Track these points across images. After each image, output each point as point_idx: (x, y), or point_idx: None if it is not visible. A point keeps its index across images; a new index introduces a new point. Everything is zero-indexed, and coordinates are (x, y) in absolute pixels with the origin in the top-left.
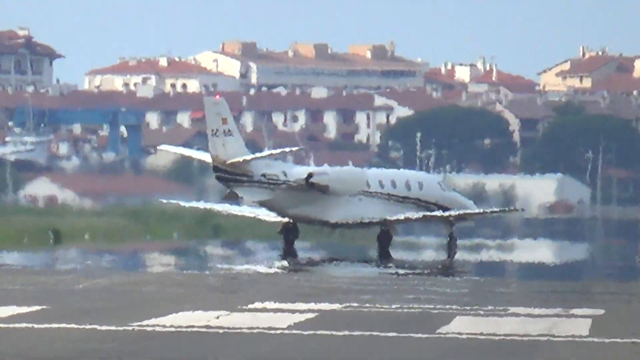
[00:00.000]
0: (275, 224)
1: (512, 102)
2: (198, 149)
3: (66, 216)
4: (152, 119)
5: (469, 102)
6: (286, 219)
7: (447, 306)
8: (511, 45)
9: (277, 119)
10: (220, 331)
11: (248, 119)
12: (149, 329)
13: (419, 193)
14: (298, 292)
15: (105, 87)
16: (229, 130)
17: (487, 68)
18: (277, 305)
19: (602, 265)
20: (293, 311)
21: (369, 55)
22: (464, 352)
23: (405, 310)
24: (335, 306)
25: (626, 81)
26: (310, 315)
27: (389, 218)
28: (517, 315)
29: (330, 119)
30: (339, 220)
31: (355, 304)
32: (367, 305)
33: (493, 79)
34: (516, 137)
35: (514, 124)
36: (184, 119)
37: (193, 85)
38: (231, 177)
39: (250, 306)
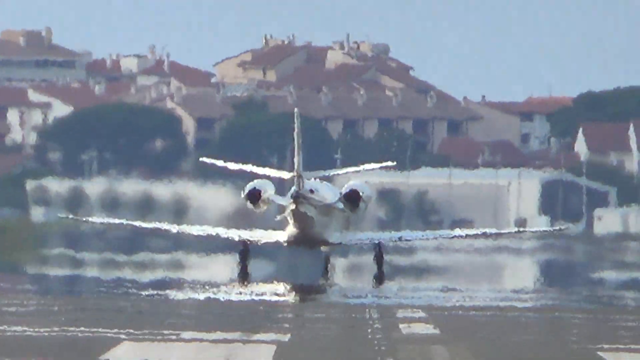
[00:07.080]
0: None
1: (186, 98)
2: None
3: None
4: None
5: (137, 98)
6: (250, 239)
7: (115, 330)
8: (185, 33)
9: None
10: None
11: None
12: None
13: None
14: None
15: None
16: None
17: (158, 58)
18: None
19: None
20: None
21: (22, 43)
22: None
23: (67, 334)
24: None
25: (316, 74)
26: None
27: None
28: (191, 340)
29: None
30: (348, 243)
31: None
32: (19, 329)
33: (165, 69)
34: (190, 138)
35: (189, 124)
36: None
37: None
38: (303, 196)
39: None
